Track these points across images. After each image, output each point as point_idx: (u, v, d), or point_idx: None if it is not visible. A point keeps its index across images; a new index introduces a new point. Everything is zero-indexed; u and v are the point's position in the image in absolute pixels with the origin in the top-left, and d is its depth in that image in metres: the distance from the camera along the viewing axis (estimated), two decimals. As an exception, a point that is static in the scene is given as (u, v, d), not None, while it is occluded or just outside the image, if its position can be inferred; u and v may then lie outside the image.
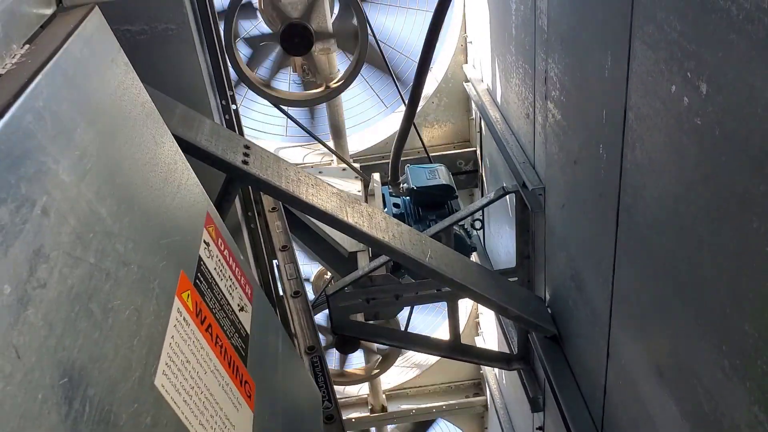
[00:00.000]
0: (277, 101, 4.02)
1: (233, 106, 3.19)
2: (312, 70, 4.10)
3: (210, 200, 1.29)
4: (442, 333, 5.72)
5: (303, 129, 4.17)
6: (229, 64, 3.36)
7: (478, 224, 4.05)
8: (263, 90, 3.90)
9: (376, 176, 4.25)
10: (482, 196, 4.63)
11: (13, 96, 0.64)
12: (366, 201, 4.24)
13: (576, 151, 2.39)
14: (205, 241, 1.15)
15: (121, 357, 0.76)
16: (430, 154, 4.41)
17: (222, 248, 1.24)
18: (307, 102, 4.09)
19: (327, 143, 4.48)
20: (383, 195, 4.11)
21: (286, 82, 4.67)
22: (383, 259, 3.14)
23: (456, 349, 3.48)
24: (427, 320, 5.98)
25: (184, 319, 0.97)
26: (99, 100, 0.86)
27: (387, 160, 4.39)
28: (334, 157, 4.68)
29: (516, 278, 3.42)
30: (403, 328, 4.54)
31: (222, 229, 1.30)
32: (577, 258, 2.57)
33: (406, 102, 3.54)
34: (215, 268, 1.15)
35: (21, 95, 0.65)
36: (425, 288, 3.31)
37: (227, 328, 1.14)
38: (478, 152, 4.57)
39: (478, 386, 6.28)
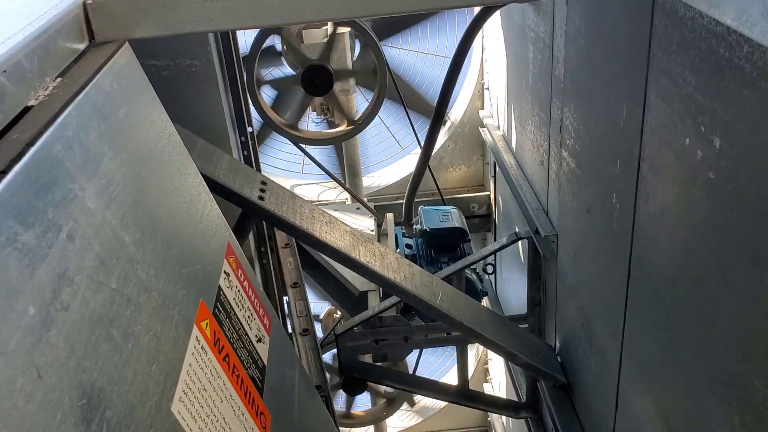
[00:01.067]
0: (296, 139, 4.08)
1: (251, 142, 3.24)
2: (332, 110, 4.16)
3: (231, 231, 1.31)
4: (451, 377, 5.67)
5: (319, 167, 4.21)
6: (250, 102, 3.43)
7: (489, 269, 4.05)
8: (282, 128, 3.97)
9: (390, 216, 4.27)
10: (495, 240, 4.63)
11: (44, 125, 0.67)
12: (378, 240, 4.26)
13: (589, 200, 2.40)
14: (225, 272, 1.16)
15: (140, 381, 0.77)
16: (444, 197, 4.44)
17: (242, 279, 1.25)
18: (325, 141, 4.15)
19: (342, 182, 4.52)
20: (396, 235, 4.12)
21: (305, 121, 4.73)
22: (394, 299, 3.14)
23: (464, 395, 3.44)
24: (437, 363, 5.94)
25: (202, 347, 0.98)
26: (126, 131, 0.89)
27: (401, 201, 4.42)
28: (349, 196, 4.71)
29: (526, 325, 3.41)
30: (411, 371, 4.50)
31: (242, 260, 1.31)
32: (587, 307, 2.57)
33: (422, 144, 3.58)
34: (234, 299, 1.17)
35: (51, 125, 0.68)
36: (435, 331, 3.30)
37: (244, 359, 1.15)
38: (492, 196, 4.59)
39: (485, 433, 6.19)
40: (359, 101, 4.49)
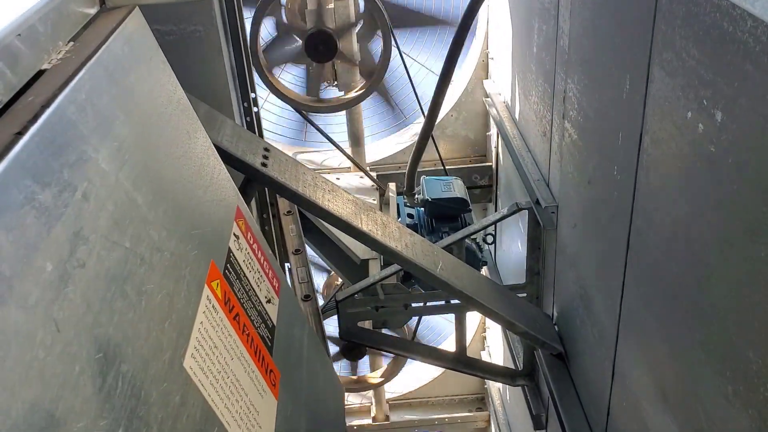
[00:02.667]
0: (298, 106, 4.08)
1: (255, 108, 3.25)
2: (336, 76, 4.16)
3: (240, 195, 1.33)
4: (448, 345, 5.74)
5: (323, 134, 4.22)
6: (252, 66, 3.42)
7: (490, 238, 4.07)
8: (282, 93, 3.96)
9: (392, 186, 4.29)
10: (496, 210, 4.65)
11: (58, 88, 0.69)
12: (381, 210, 4.28)
13: (590, 172, 2.41)
14: (235, 234, 1.19)
15: (153, 338, 0.80)
16: (447, 167, 4.45)
17: (251, 242, 1.28)
18: (328, 108, 4.14)
19: (345, 150, 4.53)
20: (398, 205, 4.14)
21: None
22: (394, 268, 3.17)
23: (461, 361, 3.49)
24: (436, 330, 6.00)
25: (213, 306, 1.01)
26: (137, 95, 0.90)
27: (403, 171, 4.43)
28: (351, 165, 4.72)
29: (525, 294, 3.44)
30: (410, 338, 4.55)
31: (252, 223, 1.34)
32: (586, 277, 2.59)
33: (425, 114, 3.58)
34: (244, 261, 1.19)
35: (65, 88, 0.69)
36: (434, 299, 3.34)
37: (254, 318, 1.18)
38: (494, 167, 4.60)
39: (481, 401, 6.27)
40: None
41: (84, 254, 0.68)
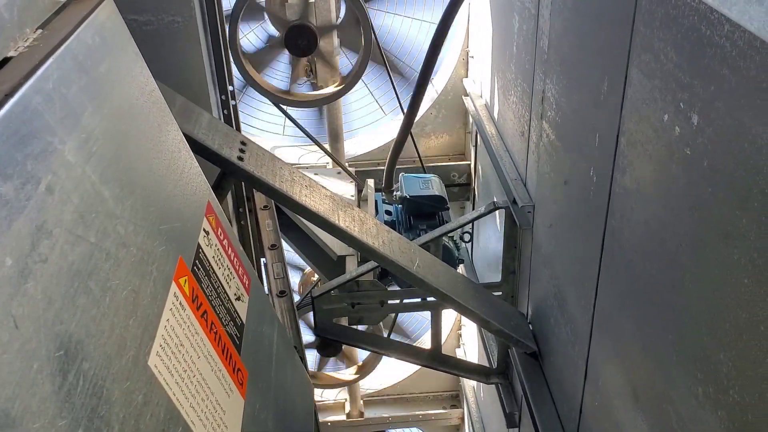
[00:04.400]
0: (277, 100, 4.05)
1: (232, 102, 3.22)
2: (315, 72, 4.13)
3: (211, 190, 1.31)
4: (424, 343, 5.75)
5: (301, 130, 4.19)
6: (231, 59, 3.39)
7: (467, 237, 4.08)
8: (263, 88, 3.93)
9: (371, 182, 4.28)
10: (473, 209, 4.66)
11: (23, 77, 0.66)
12: (359, 206, 4.27)
13: (567, 172, 2.42)
14: (204, 230, 1.17)
15: (117, 335, 0.78)
16: (425, 165, 4.44)
17: (221, 238, 1.26)
18: (306, 103, 4.12)
19: (324, 146, 4.51)
20: (376, 201, 4.13)
21: (286, 82, 4.70)
22: (371, 264, 3.16)
23: (436, 359, 3.50)
24: (420, 320, 6.00)
25: (180, 303, 0.99)
26: (107, 85, 0.88)
27: (382, 167, 4.42)
28: (330, 160, 4.70)
29: (500, 292, 3.45)
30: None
31: (222, 219, 1.32)
32: (561, 277, 2.60)
33: (405, 111, 3.57)
34: (213, 257, 1.18)
35: (31, 77, 0.67)
36: (411, 296, 3.34)
37: (222, 316, 1.16)
38: (472, 166, 4.60)
39: (455, 398, 6.29)
40: (343, 63, 4.45)
41: (46, 249, 0.66)
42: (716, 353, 1.40)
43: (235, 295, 1.24)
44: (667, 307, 1.64)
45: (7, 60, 0.70)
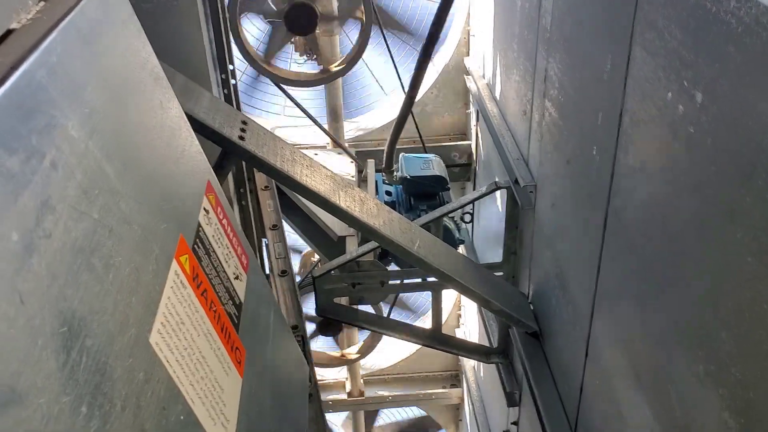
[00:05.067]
0: (277, 79, 4.03)
1: (233, 81, 3.20)
2: (314, 51, 4.10)
3: (211, 169, 1.31)
4: (428, 317, 5.78)
5: (301, 109, 4.17)
6: (231, 38, 3.37)
7: (467, 217, 4.08)
8: (264, 67, 3.91)
9: (371, 163, 4.27)
10: (474, 189, 4.65)
11: (28, 50, 0.66)
12: (359, 186, 4.26)
13: (570, 151, 2.41)
14: (204, 208, 1.16)
15: (120, 312, 0.78)
16: (426, 145, 4.43)
17: (221, 217, 1.26)
18: (305, 83, 4.10)
19: (324, 126, 4.49)
20: (376, 181, 4.12)
21: (287, 61, 4.67)
22: (372, 245, 3.16)
23: (436, 338, 3.51)
24: (416, 304, 6.02)
25: (180, 281, 0.99)
26: (110, 60, 0.88)
27: (382, 147, 4.40)
28: (330, 140, 4.69)
29: (501, 273, 3.46)
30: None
31: (222, 198, 1.31)
32: (562, 257, 2.60)
33: (406, 90, 3.55)
34: (213, 236, 1.17)
35: (36, 50, 0.66)
36: (411, 276, 3.35)
37: (222, 295, 1.16)
38: (474, 146, 4.59)
39: (455, 378, 6.33)
40: (344, 43, 4.43)
41: (51, 224, 0.66)
42: (718, 332, 1.40)
43: (234, 274, 1.24)
44: (669, 286, 1.64)
45: (9, 32, 0.69)
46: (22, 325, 0.59)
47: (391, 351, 6.29)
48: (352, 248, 3.74)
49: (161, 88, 1.05)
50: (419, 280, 3.39)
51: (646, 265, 1.77)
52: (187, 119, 1.17)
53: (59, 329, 0.65)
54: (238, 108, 3.25)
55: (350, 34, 4.24)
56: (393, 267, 3.75)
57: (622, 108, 1.87)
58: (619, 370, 2.04)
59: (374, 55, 4.66)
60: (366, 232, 2.65)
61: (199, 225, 1.11)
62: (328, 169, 2.69)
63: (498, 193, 3.30)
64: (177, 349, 0.92)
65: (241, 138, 2.35)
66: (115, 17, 0.90)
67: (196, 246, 1.07)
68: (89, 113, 0.75)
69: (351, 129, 5.01)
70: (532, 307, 3.14)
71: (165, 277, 0.92)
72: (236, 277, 1.24)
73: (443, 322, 3.57)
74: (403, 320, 6.01)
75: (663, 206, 1.65)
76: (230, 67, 3.24)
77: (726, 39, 1.30)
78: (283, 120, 5.20)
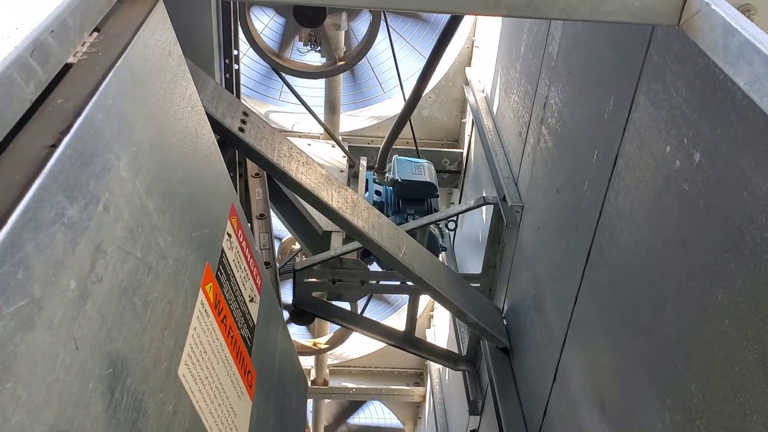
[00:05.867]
0: (279, 68, 4.03)
1: (235, 66, 3.20)
2: (319, 42, 4.11)
3: (234, 190, 1.32)
4: (390, 323, 5.84)
5: (299, 99, 4.18)
6: (239, 24, 3.36)
7: (452, 225, 4.12)
8: (267, 54, 3.91)
9: (363, 161, 4.30)
10: (461, 197, 4.70)
11: (88, 94, 0.67)
12: (349, 182, 4.29)
13: (561, 181, 2.47)
14: (228, 233, 1.18)
15: (154, 348, 0.80)
16: (419, 148, 4.46)
17: (241, 239, 1.28)
18: (308, 74, 4.11)
19: (320, 117, 4.50)
20: (367, 180, 4.15)
21: (289, 50, 4.66)
22: (357, 244, 3.19)
23: (409, 341, 3.57)
24: (393, 297, 6.06)
25: (205, 310, 1.01)
26: (155, 94, 0.89)
27: (374, 145, 4.44)
28: (324, 131, 4.70)
29: (479, 285, 3.51)
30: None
31: (242, 219, 1.33)
32: (542, 280, 2.66)
33: (408, 95, 3.57)
34: (234, 260, 1.19)
35: (95, 93, 0.67)
36: (392, 278, 3.39)
37: (238, 319, 1.18)
38: (465, 155, 4.63)
39: (419, 376, 6.40)
40: (352, 35, 4.43)
41: (102, 268, 0.68)
42: (688, 383, 1.46)
43: (249, 296, 1.26)
44: (645, 330, 1.70)
45: (67, 66, 0.71)
46: (76, 370, 0.61)
47: (361, 344, 6.34)
48: (337, 245, 3.77)
49: (197, 115, 1.06)
50: (399, 283, 3.43)
51: (624, 305, 1.83)
52: (217, 143, 1.19)
53: (106, 371, 0.67)
54: (239, 93, 3.25)
55: (358, 26, 4.24)
56: (374, 266, 3.79)
57: (618, 150, 1.92)
58: (585, 400, 2.10)
59: (379, 50, 4.67)
60: (355, 235, 2.69)
61: (223, 251, 1.13)
62: (323, 168, 2.72)
63: (484, 206, 3.35)
64: (200, 379, 0.95)
65: (241, 129, 2.37)
66: (162, 49, 0.91)
67: (219, 273, 1.09)
68: (137, 152, 0.77)
69: (346, 123, 5.02)
70: (505, 323, 3.20)
71: (193, 308, 0.94)
72: (251, 300, 1.27)
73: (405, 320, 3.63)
74: (380, 311, 6.07)
75: (648, 253, 1.70)
76: (234, 52, 3.24)
77: (730, 107, 1.35)
78: (278, 105, 5.20)
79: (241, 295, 1.22)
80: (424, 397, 6.25)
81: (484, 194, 3.30)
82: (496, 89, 3.74)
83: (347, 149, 4.41)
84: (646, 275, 1.70)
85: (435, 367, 5.60)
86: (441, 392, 5.29)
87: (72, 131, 0.62)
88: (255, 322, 1.28)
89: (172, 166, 0.92)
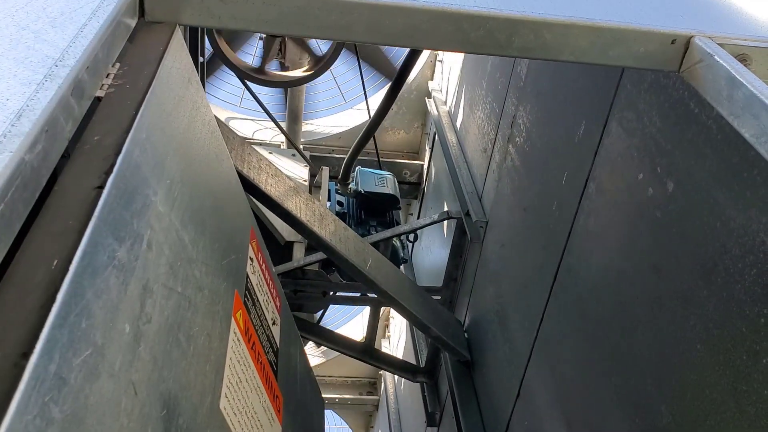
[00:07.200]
0: (244, 76, 4.00)
1: (201, 74, 3.17)
2: (284, 52, 4.10)
3: (252, 213, 1.31)
4: (345, 331, 5.84)
5: (263, 108, 4.16)
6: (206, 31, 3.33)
7: (412, 236, 4.15)
8: (231, 62, 3.88)
9: (326, 171, 4.29)
10: (420, 209, 4.74)
11: (124, 129, 0.66)
12: (311, 191, 4.27)
13: (528, 200, 2.51)
14: (250, 257, 1.17)
15: (199, 383, 0.79)
16: (380, 159, 4.48)
17: (261, 262, 1.26)
18: (272, 83, 4.09)
19: (282, 126, 4.49)
20: (329, 190, 4.15)
21: (250, 56, 4.64)
22: (320, 255, 3.19)
23: (368, 352, 3.58)
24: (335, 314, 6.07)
25: (238, 339, 0.99)
26: (180, 123, 0.88)
27: (336, 155, 4.44)
28: (284, 139, 4.68)
29: (439, 297, 3.55)
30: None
31: (261, 242, 1.32)
32: (506, 296, 2.70)
33: (375, 110, 3.58)
34: (257, 284, 1.18)
35: (131, 129, 0.66)
36: (353, 290, 3.40)
37: (264, 344, 1.17)
38: (425, 167, 4.67)
39: (373, 385, 6.41)
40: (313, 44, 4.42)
41: (150, 308, 0.67)
42: (658, 404, 1.51)
43: (271, 319, 1.25)
44: (614, 350, 1.74)
45: (97, 100, 0.70)
46: (137, 415, 0.60)
47: (313, 353, 6.31)
48: (299, 255, 3.75)
49: (217, 141, 1.05)
50: (360, 294, 3.44)
51: (593, 325, 1.87)
52: (234, 167, 1.17)
53: (161, 413, 0.66)
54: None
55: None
56: (336, 277, 3.79)
57: (589, 174, 1.97)
58: (550, 416, 2.14)
59: (340, 61, 4.68)
60: (322, 248, 2.69)
61: (247, 276, 1.12)
62: (291, 180, 2.72)
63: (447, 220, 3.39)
64: (238, 410, 0.94)
65: (213, 141, 2.35)
66: (182, 77, 0.90)
67: (246, 299, 1.08)
68: (170, 184, 0.76)
69: (307, 131, 5.01)
70: (466, 336, 3.24)
71: (227, 338, 0.93)
72: (273, 323, 1.25)
73: (366, 331, 3.64)
74: (334, 320, 6.06)
75: (618, 276, 1.75)
76: (201, 59, 3.21)
77: (705, 140, 1.40)
78: (239, 112, 5.16)
79: (266, 319, 1.21)
80: (377, 406, 6.25)
81: (446, 207, 3.34)
82: (461, 104, 3.79)
83: (308, 158, 4.40)
84: (616, 297, 1.75)
85: (390, 376, 5.61)
86: (396, 402, 5.30)
87: (115, 170, 0.61)
88: (279, 345, 1.27)
89: (201, 196, 0.91)
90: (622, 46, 0.95)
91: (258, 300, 1.17)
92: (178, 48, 0.89)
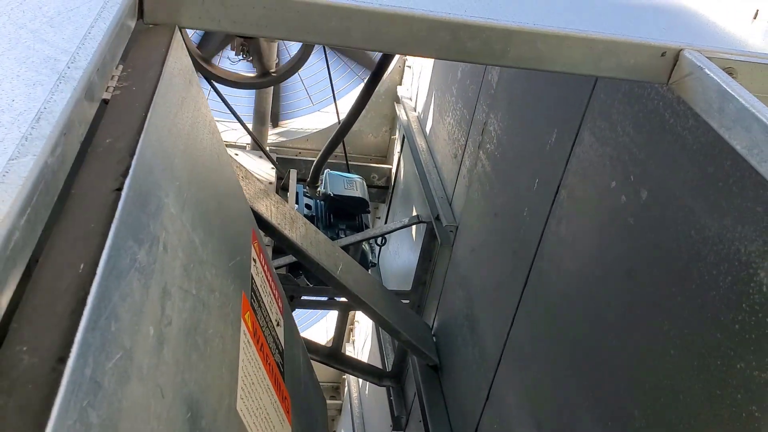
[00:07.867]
0: (209, 76, 3.96)
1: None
2: (251, 53, 4.07)
3: (252, 214, 1.30)
4: (309, 335, 5.83)
5: (229, 108, 4.12)
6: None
7: (381, 240, 4.16)
8: (199, 62, 3.84)
9: (293, 173, 4.27)
10: (388, 212, 4.75)
11: (135, 131, 0.65)
12: (278, 192, 4.25)
13: (499, 205, 2.54)
14: (253, 258, 1.16)
15: (217, 386, 0.78)
16: (348, 162, 4.48)
17: (263, 263, 1.25)
18: (239, 84, 4.05)
19: (248, 127, 4.45)
20: (297, 193, 4.13)
21: (218, 57, 4.59)
22: (288, 259, 3.18)
23: (334, 357, 3.58)
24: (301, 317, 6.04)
25: (248, 341, 0.99)
26: (184, 124, 0.88)
27: (303, 157, 4.43)
28: (250, 140, 4.65)
29: (408, 301, 3.56)
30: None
31: (262, 242, 1.31)
32: (476, 300, 2.73)
33: (346, 115, 3.58)
34: (261, 285, 1.17)
35: (142, 131, 0.65)
36: (321, 294, 3.40)
37: (271, 345, 1.16)
38: (394, 171, 4.69)
39: (336, 390, 6.39)
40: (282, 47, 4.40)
41: (170, 310, 0.66)
42: (631, 407, 1.54)
43: (275, 320, 1.24)
44: (586, 353, 1.77)
45: (104, 103, 0.69)
46: (165, 419, 0.60)
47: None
48: (265, 258, 3.73)
49: (217, 140, 1.04)
50: (328, 298, 3.44)
51: (564, 329, 1.90)
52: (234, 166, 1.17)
53: (186, 416, 0.65)
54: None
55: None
56: (303, 280, 3.77)
57: (561, 181, 2.00)
58: (520, 420, 2.16)
59: (307, 64, 4.67)
60: (292, 251, 2.67)
61: (252, 277, 1.11)
62: (262, 182, 2.70)
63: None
64: (253, 411, 0.93)
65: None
66: (185, 78, 0.90)
67: (252, 300, 1.07)
68: (179, 186, 0.75)
69: (273, 133, 4.98)
70: (435, 340, 3.26)
71: (238, 340, 0.93)
72: (277, 324, 1.24)
73: (333, 336, 3.64)
74: (302, 321, 6.02)
75: (591, 282, 1.78)
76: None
77: (680, 150, 1.44)
78: (204, 112, 5.10)
79: (270, 320, 1.20)
80: (339, 410, 6.24)
81: (415, 211, 3.36)
82: (430, 110, 3.82)
83: (275, 160, 4.37)
84: (588, 302, 1.78)
85: (354, 380, 5.61)
86: (360, 406, 5.30)
87: (131, 172, 0.60)
88: (283, 346, 1.27)
89: (207, 197, 0.90)
90: (613, 58, 0.98)
91: (263, 301, 1.17)
92: (178, 49, 0.88)
